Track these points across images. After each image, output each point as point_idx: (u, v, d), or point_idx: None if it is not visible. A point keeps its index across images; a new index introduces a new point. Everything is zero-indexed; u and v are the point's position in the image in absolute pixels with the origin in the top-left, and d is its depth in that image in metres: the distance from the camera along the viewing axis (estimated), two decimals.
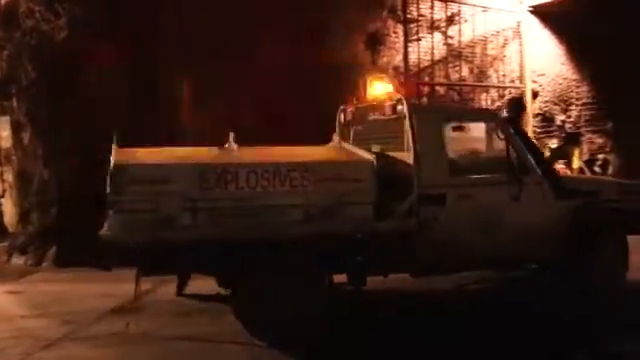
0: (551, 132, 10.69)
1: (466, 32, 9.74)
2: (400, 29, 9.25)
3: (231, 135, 5.11)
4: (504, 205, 5.33)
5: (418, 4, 9.13)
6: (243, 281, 4.55)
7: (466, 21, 9.72)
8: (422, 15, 9.22)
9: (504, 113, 6.06)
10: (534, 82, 10.61)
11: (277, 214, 4.57)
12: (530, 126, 10.38)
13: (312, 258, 4.62)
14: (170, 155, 4.91)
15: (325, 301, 4.66)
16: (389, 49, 9.44)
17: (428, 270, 5.33)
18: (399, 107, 5.19)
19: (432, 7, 9.27)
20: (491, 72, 10.26)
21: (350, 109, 6.08)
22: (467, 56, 9.91)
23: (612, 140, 10.22)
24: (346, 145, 5.55)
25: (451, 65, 9.72)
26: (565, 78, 10.86)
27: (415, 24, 9.16)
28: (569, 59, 10.81)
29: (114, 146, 4.59)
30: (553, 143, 10.72)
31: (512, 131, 5.56)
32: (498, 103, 10.14)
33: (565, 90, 10.87)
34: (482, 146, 5.84)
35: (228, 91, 7.99)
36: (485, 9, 9.78)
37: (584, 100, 10.80)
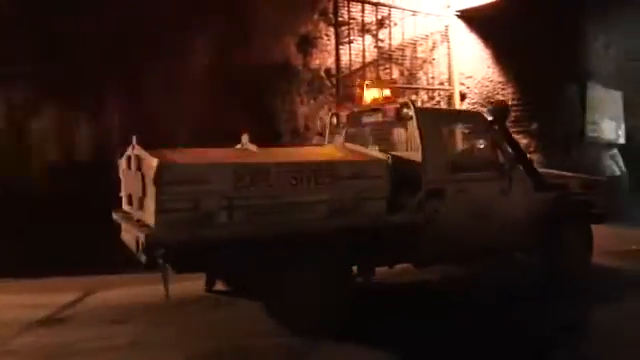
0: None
1: (396, 35, 9.90)
2: (332, 32, 9.29)
3: (245, 136, 5.64)
4: (494, 198, 5.84)
5: (349, 7, 9.20)
6: (274, 274, 4.76)
7: (396, 24, 9.88)
8: (353, 18, 9.31)
9: (489, 116, 6.28)
10: (462, 84, 10.90)
11: (304, 211, 4.82)
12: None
13: (336, 251, 4.94)
14: (199, 155, 5.11)
15: (349, 290, 5.03)
16: (321, 51, 9.47)
17: (430, 260, 5.77)
18: (405, 110, 5.58)
19: (363, 10, 9.38)
20: (421, 74, 10.45)
21: (344, 112, 6.59)
22: (397, 58, 10.06)
23: (536, 140, 10.61)
24: (350, 145, 5.86)
25: (382, 67, 9.85)
26: (491, 80, 11.21)
27: (346, 27, 9.23)
28: (495, 62, 11.17)
29: (136, 146, 4.89)
30: (481, 144, 11.02)
31: (498, 132, 6.12)
32: (428, 104, 10.36)
33: (491, 92, 11.22)
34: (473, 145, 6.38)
35: (154, 92, 7.83)
36: (414, 13, 9.97)
37: (510, 102, 11.18)
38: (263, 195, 4.65)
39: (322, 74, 9.49)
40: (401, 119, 5.69)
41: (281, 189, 4.71)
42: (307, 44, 9.36)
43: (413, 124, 5.51)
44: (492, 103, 10.03)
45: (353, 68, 9.27)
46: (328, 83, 9.47)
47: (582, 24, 12.07)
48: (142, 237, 4.40)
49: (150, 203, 4.44)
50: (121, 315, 5.41)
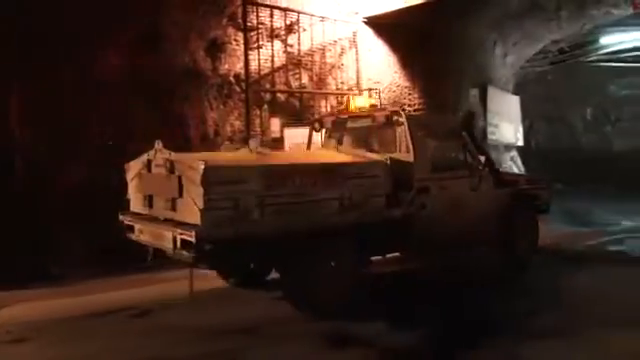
0: None
1: (305, 41, 9.94)
2: (240, 37, 9.22)
3: (257, 140, 6.45)
4: (467, 194, 6.75)
5: (257, 12, 9.16)
6: (297, 264, 5.36)
7: (305, 30, 9.93)
8: (262, 23, 9.27)
9: (460, 122, 7.39)
10: (370, 89, 11.13)
11: (320, 207, 5.43)
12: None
13: (346, 241, 5.58)
14: (229, 158, 5.77)
15: (359, 276, 5.69)
16: (230, 56, 9.39)
17: (419, 248, 6.51)
18: (395, 117, 6.44)
19: (271, 15, 9.36)
20: (330, 79, 10.57)
21: (330, 119, 7.42)
22: (306, 64, 10.12)
23: None
24: (344, 148, 6.46)
25: (291, 73, 9.87)
26: (398, 85, 11.56)
27: (255, 32, 9.20)
28: (401, 67, 11.54)
29: (159, 148, 5.53)
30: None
31: (467, 136, 7.00)
32: (337, 109, 10.51)
33: (399, 96, 11.56)
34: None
35: (59, 94, 7.54)
36: (323, 19, 10.07)
37: (416, 106, 11.58)
38: (288, 193, 5.21)
39: (231, 79, 9.40)
40: (392, 124, 6.48)
41: (303, 188, 5.31)
42: (216, 49, 9.26)
43: (404, 129, 6.29)
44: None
45: (262, 73, 9.24)
46: (237, 88, 9.42)
47: (482, 33, 12.68)
48: (187, 235, 4.79)
49: (196, 202, 4.80)
50: (25, 332, 5.19)
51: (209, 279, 7.05)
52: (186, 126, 8.86)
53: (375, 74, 11.25)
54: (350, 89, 10.75)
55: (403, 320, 5.50)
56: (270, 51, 9.37)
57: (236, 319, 5.56)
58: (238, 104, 9.43)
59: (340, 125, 7.19)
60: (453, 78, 12.15)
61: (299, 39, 9.84)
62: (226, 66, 9.35)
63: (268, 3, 9.42)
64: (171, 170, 5.24)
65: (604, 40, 16.48)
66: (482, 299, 6.22)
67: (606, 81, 18.16)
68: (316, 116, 9.13)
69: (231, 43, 9.39)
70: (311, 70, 10.21)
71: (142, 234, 5.79)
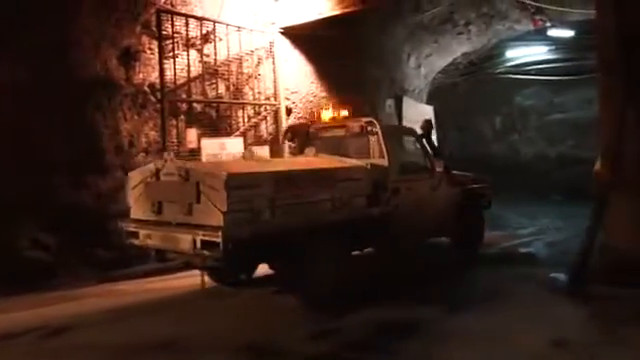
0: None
1: (221, 50, 9.86)
2: (155, 45, 9.02)
3: (253, 148, 7.71)
4: (428, 193, 7.73)
5: (173, 21, 8.99)
6: (298, 257, 5.96)
7: (221, 40, 9.85)
8: (177, 32, 9.11)
9: (420, 130, 8.10)
10: (288, 99, 11.18)
11: (316, 207, 6.18)
12: (286, 141, 10.90)
13: (336, 236, 6.25)
14: (241, 165, 6.42)
15: (348, 266, 6.48)
16: (145, 65, 9.18)
17: (391, 243, 7.53)
18: (370, 127, 7.30)
19: (187, 24, 9.20)
20: (247, 89, 10.52)
21: (302, 129, 8.29)
22: (223, 74, 10.03)
23: None
24: (324, 155, 7.21)
25: (208, 82, 9.76)
26: (315, 95, 11.67)
27: (170, 41, 9.03)
28: (318, 78, 11.66)
29: (170, 158, 6.14)
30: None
31: (425, 142, 7.94)
32: (254, 119, 10.50)
33: (316, 107, 11.61)
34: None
35: None
36: (239, 29, 10.03)
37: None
38: (292, 196, 5.90)
39: (146, 89, 9.20)
40: (365, 133, 7.35)
41: (303, 190, 6.04)
42: (129, 57, 9.02)
43: (378, 137, 7.18)
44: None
45: (178, 83, 9.08)
46: (152, 98, 9.22)
47: (397, 45, 13.04)
48: (212, 236, 5.31)
49: (217, 206, 5.39)
50: None
51: (131, 293, 6.91)
52: (98, 137, 8.59)
53: (292, 84, 11.32)
54: (267, 99, 10.77)
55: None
56: (186, 60, 9.20)
57: (156, 334, 5.46)
58: (153, 114, 9.23)
59: (315, 134, 8.05)
60: (369, 88, 12.41)
61: (215, 49, 9.74)
62: (140, 75, 9.14)
63: (183, 12, 9.29)
64: (186, 178, 5.77)
65: (509, 53, 17.33)
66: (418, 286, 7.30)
67: (513, 92, 19.04)
68: (235, 126, 9.14)
69: (145, 52, 9.19)
70: (228, 80, 10.14)
71: (149, 239, 6.25)
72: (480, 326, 5.45)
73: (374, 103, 12.52)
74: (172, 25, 8.99)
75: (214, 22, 9.64)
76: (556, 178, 17.48)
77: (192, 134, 9.09)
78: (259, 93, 10.69)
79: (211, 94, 9.87)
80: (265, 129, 10.73)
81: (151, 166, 6.37)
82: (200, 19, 9.45)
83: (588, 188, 7.51)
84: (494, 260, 8.84)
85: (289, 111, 11.24)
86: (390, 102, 13.01)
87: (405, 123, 13.45)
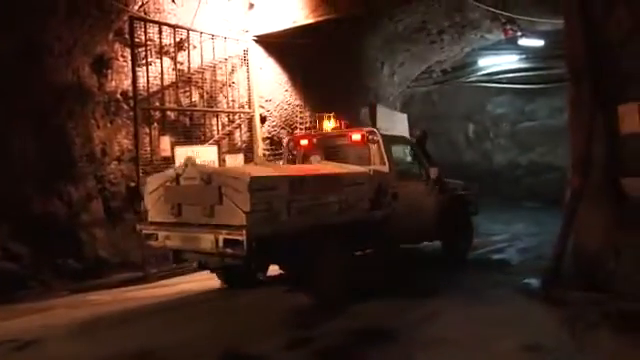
0: (280, 154, 11.37)
1: (195, 58, 9.81)
2: (128, 53, 8.95)
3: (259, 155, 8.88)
4: (423, 198, 8.27)
5: (146, 28, 8.91)
6: (307, 256, 6.36)
7: (195, 47, 9.81)
8: (150, 40, 9.05)
9: (414, 139, 8.96)
10: (262, 107, 11.17)
11: (325, 208, 6.63)
12: (260, 149, 10.90)
13: (343, 236, 6.69)
14: (258, 170, 6.79)
15: (352, 264, 6.96)
16: (117, 73, 9.10)
17: (390, 244, 7.98)
18: (371, 136, 7.82)
19: (160, 32, 9.13)
20: (221, 97, 10.49)
21: (304, 139, 8.74)
22: (197, 81, 9.99)
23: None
24: (329, 162, 7.76)
25: (181, 90, 9.70)
26: (290, 104, 11.68)
27: (143, 48, 8.96)
28: (292, 86, 11.68)
29: (191, 162, 6.59)
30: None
31: (421, 151, 8.62)
32: (228, 127, 10.46)
33: (290, 115, 11.69)
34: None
35: None
36: (213, 36, 9.99)
37: (307, 124, 11.72)
38: (305, 198, 6.35)
39: (119, 96, 9.13)
40: (366, 142, 7.86)
41: (314, 193, 6.50)
42: (102, 65, 8.95)
43: (379, 146, 7.74)
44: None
45: (151, 91, 9.00)
46: (125, 106, 9.15)
47: (371, 53, 13.12)
48: (236, 234, 5.68)
49: (241, 207, 5.80)
50: None
51: (104, 304, 6.82)
52: (70, 145, 8.49)
53: (267, 92, 11.32)
54: (242, 107, 10.74)
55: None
56: (159, 68, 9.13)
57: (129, 345, 5.39)
58: (126, 122, 9.16)
59: (318, 143, 8.58)
60: (343, 97, 12.44)
61: (189, 56, 9.70)
62: (113, 83, 9.07)
63: (157, 19, 9.23)
64: (208, 181, 6.14)
65: (482, 62, 17.56)
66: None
67: (485, 100, 19.28)
68: (209, 134, 9.04)
69: (118, 59, 9.12)
70: (202, 88, 10.10)
71: (169, 240, 6.63)
72: (455, 332, 5.48)
73: (348, 111, 12.54)
74: (145, 33, 8.91)
75: (188, 30, 9.59)
76: (528, 185, 17.74)
77: (165, 142, 9.01)
78: (233, 101, 10.66)
79: (185, 102, 9.82)
80: (239, 137, 10.70)
81: (171, 171, 6.90)
82: (174, 27, 9.40)
83: (560, 194, 7.64)
84: (470, 266, 8.94)
85: (263, 119, 11.23)
86: (364, 110, 13.03)
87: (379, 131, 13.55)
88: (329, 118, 8.82)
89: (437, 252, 9.30)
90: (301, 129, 11.58)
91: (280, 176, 6.48)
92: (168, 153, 8.98)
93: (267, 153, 11.16)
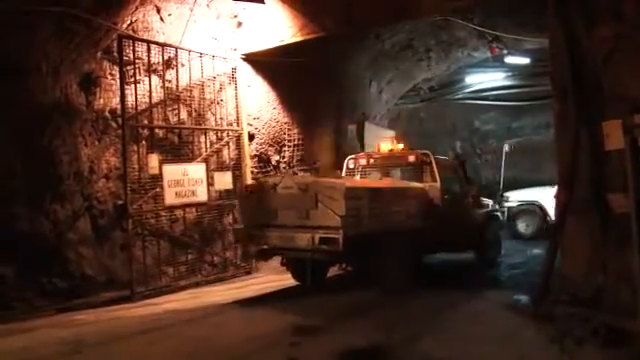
0: (267, 172, 11.38)
1: (183, 76, 9.82)
2: (116, 71, 8.94)
3: (354, 164, 9.98)
4: (463, 212, 9.74)
5: (134, 46, 8.93)
6: (377, 256, 7.61)
7: (183, 65, 9.82)
8: (139, 58, 9.05)
9: (456, 159, 10.45)
10: (250, 125, 11.19)
11: (395, 216, 8.01)
12: (248, 167, 10.89)
13: (408, 240, 8.03)
14: (348, 181, 8.21)
15: (416, 265, 8.59)
16: (105, 91, 9.11)
17: (433, 250, 9.60)
18: (424, 158, 9.23)
19: (149, 50, 9.15)
20: (209, 115, 10.49)
21: (362, 159, 10.02)
22: (185, 99, 10.00)
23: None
24: (389, 178, 9.46)
25: (170, 108, 9.71)
26: (278, 121, 11.69)
27: (132, 66, 8.96)
28: (280, 104, 11.69)
29: (289, 174, 9.11)
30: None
31: (461, 171, 10.05)
32: (217, 145, 10.44)
33: (279, 132, 11.69)
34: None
35: None
36: (201, 55, 10.02)
37: (295, 142, 11.75)
38: (380, 206, 7.75)
39: (107, 114, 9.13)
40: (420, 163, 9.22)
41: (387, 203, 7.95)
42: (90, 83, 8.95)
43: (432, 166, 9.09)
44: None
45: (140, 109, 9.00)
46: (113, 124, 9.13)
47: (359, 71, 13.18)
48: (333, 233, 7.07)
49: (336, 212, 7.11)
50: None
51: (90, 323, 6.74)
52: (58, 163, 8.44)
53: (255, 110, 11.34)
54: (230, 124, 10.74)
55: None
56: (148, 86, 9.14)
57: None
58: (114, 140, 9.14)
59: (375, 163, 9.84)
60: (331, 114, 12.48)
61: (177, 74, 9.71)
62: (101, 101, 9.07)
63: (145, 37, 9.25)
64: (305, 190, 7.52)
65: (469, 79, 17.69)
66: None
67: (472, 117, 19.41)
68: (197, 151, 9.12)
69: (106, 77, 9.13)
70: (190, 106, 10.10)
71: (266, 240, 8.00)
72: (446, 349, 5.48)
73: (336, 128, 12.59)
74: (134, 51, 8.92)
75: (176, 48, 9.62)
76: None
77: (153, 160, 8.99)
78: (221, 119, 10.66)
79: (173, 120, 9.82)
80: (227, 155, 10.68)
81: (269, 181, 8.24)
82: (162, 45, 9.42)
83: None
84: (460, 282, 8.96)
85: (251, 137, 11.24)
86: (352, 127, 13.10)
87: (367, 148, 13.58)
88: (390, 140, 10.21)
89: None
90: (289, 146, 11.60)
91: (364, 187, 8.02)
92: (156, 171, 8.97)
93: (255, 171, 11.16)
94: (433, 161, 9.10)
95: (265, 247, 8.08)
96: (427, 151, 9.35)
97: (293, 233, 7.55)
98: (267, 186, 8.11)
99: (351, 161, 10.08)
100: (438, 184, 8.95)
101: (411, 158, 9.37)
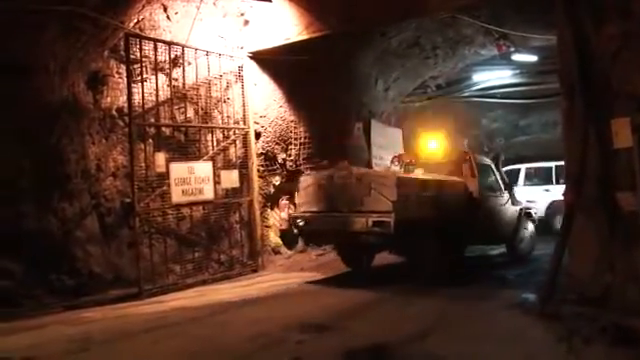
0: (274, 170, 11.39)
1: (190, 74, 9.84)
2: (123, 69, 8.96)
3: (397, 161, 10.52)
4: (499, 208, 10.35)
5: (141, 45, 8.92)
6: (419, 243, 8.39)
7: (190, 64, 9.83)
8: (146, 56, 9.06)
9: (492, 158, 10.97)
10: (256, 123, 11.18)
11: (437, 206, 8.66)
12: (255, 165, 10.89)
13: (445, 231, 8.63)
14: (399, 172, 9.49)
15: (450, 255, 8.96)
16: (112, 89, 9.12)
17: (471, 243, 10.26)
18: (464, 156, 9.99)
19: (155, 49, 9.15)
20: (216, 113, 10.50)
21: (406, 159, 10.42)
22: (192, 97, 10.01)
23: None
24: (430, 173, 9.68)
25: (176, 106, 9.73)
26: (284, 120, 11.70)
27: (139, 65, 8.97)
28: (287, 102, 11.70)
29: (345, 166, 9.10)
30: (276, 180, 11.41)
31: (497, 169, 10.65)
32: (223, 143, 10.45)
33: (285, 131, 11.70)
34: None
35: None
36: (208, 53, 10.02)
37: (302, 140, 11.75)
38: (425, 196, 8.56)
39: (114, 113, 9.14)
40: (459, 160, 9.94)
41: (431, 193, 8.72)
42: (97, 82, 8.97)
43: (471, 164, 9.80)
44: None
45: (146, 107, 9.00)
46: (120, 122, 9.16)
47: (365, 69, 13.16)
48: (386, 217, 7.96)
49: (389, 198, 8.03)
50: None
51: (98, 320, 6.77)
52: (65, 161, 8.47)
53: (261, 108, 11.34)
54: (236, 122, 10.75)
55: None
56: (154, 84, 9.15)
57: None
58: (121, 138, 9.16)
59: (416, 161, 10.30)
60: (338, 112, 12.47)
61: (184, 73, 9.72)
62: (108, 99, 9.09)
63: (152, 36, 9.26)
64: (360, 179, 8.53)
65: (476, 77, 17.63)
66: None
67: (479, 115, 19.33)
68: (204, 150, 9.13)
69: (113, 76, 9.15)
70: (197, 104, 10.12)
71: (322, 224, 8.88)
72: (453, 348, 5.46)
73: (343, 126, 12.58)
74: (140, 49, 8.92)
75: (183, 46, 9.62)
76: None
77: (160, 158, 9.01)
78: (228, 117, 10.67)
79: (180, 118, 9.83)
80: (234, 153, 10.69)
81: (324, 173, 9.20)
82: (169, 43, 9.43)
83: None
84: (467, 280, 8.92)
85: (258, 135, 11.24)
86: (359, 125, 13.09)
87: (373, 146, 13.56)
88: (432, 139, 10.91)
89: None
90: (295, 145, 11.60)
91: (412, 177, 9.04)
92: (163, 169, 8.98)
93: (262, 169, 11.16)
94: (472, 159, 9.86)
95: (320, 230, 8.98)
96: (466, 150, 10.36)
97: (350, 217, 8.36)
98: (323, 177, 9.00)
99: (396, 158, 10.76)
100: (476, 181, 9.65)
101: (452, 156, 10.25)
